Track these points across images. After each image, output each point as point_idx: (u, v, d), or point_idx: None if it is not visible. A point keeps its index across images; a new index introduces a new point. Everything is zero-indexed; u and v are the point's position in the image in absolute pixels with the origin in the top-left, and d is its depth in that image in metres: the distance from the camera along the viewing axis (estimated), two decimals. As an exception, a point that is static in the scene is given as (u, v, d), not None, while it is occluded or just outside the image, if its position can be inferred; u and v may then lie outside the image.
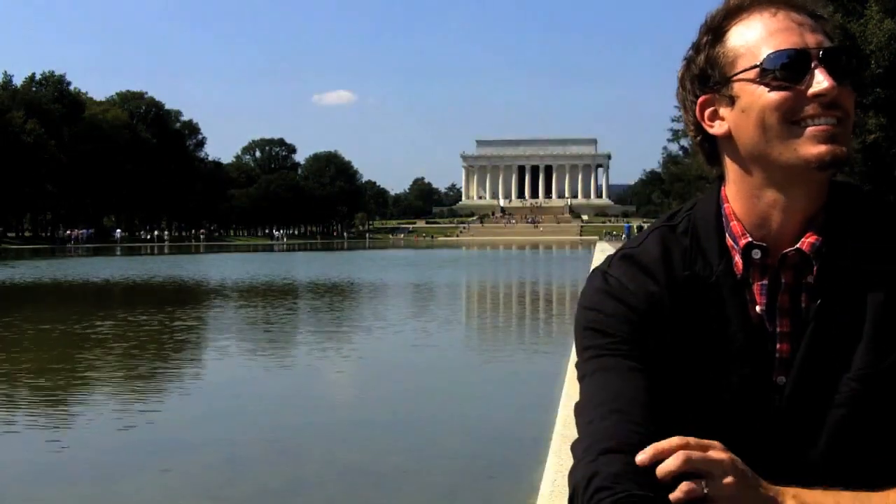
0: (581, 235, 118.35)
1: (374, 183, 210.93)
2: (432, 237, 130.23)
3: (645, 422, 1.14)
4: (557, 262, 44.49)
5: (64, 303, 18.53)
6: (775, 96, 1.16)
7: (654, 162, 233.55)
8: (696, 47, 1.24)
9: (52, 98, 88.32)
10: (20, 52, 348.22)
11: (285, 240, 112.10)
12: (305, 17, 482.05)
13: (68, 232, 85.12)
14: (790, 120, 1.16)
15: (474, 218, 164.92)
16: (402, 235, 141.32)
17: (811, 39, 1.17)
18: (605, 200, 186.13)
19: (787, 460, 1.20)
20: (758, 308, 1.23)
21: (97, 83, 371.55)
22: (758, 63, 1.17)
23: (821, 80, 1.14)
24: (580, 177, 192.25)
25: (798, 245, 1.20)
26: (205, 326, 13.96)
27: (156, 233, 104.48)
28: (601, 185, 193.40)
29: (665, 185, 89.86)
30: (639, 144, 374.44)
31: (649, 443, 1.09)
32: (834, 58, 1.17)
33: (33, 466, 5.33)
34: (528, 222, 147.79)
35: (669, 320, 1.25)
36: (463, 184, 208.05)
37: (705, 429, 1.22)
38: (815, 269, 1.20)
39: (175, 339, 11.59)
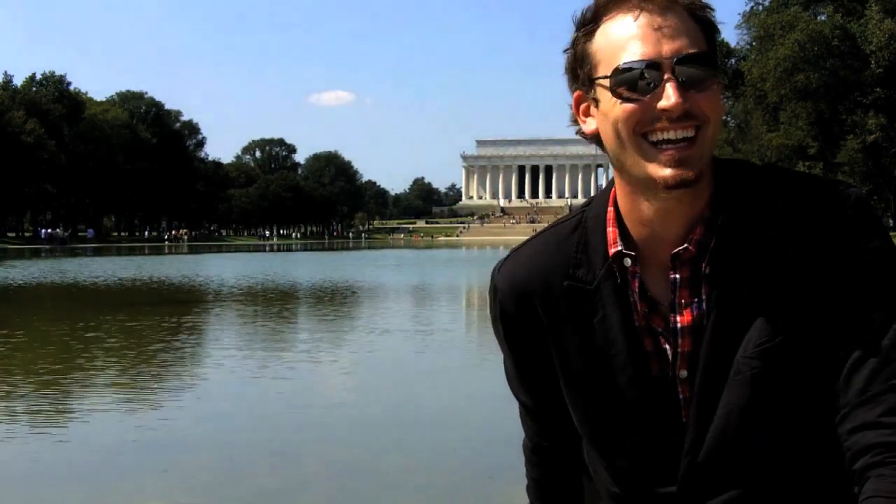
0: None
1: (375, 183, 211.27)
2: (432, 237, 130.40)
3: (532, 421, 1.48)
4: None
5: (67, 302, 18.52)
6: (626, 108, 1.12)
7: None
8: (572, 42, 1.20)
9: (52, 98, 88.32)
10: (20, 52, 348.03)
11: (297, 237, 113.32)
12: (305, 16, 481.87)
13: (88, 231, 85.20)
14: (641, 133, 1.12)
15: (474, 218, 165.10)
16: (402, 235, 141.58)
17: (667, 47, 1.09)
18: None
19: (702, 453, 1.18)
20: (640, 310, 1.21)
21: (97, 83, 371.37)
22: (608, 74, 1.13)
23: (669, 95, 1.09)
24: (580, 177, 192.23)
25: (686, 244, 1.18)
26: (205, 326, 13.96)
27: (176, 232, 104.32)
28: (601, 185, 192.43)
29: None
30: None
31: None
32: (689, 64, 1.10)
33: (33, 466, 5.32)
34: (528, 222, 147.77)
35: (548, 326, 1.26)
36: (463, 184, 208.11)
37: (614, 439, 1.26)
38: (705, 262, 1.17)
39: (175, 339, 11.58)
